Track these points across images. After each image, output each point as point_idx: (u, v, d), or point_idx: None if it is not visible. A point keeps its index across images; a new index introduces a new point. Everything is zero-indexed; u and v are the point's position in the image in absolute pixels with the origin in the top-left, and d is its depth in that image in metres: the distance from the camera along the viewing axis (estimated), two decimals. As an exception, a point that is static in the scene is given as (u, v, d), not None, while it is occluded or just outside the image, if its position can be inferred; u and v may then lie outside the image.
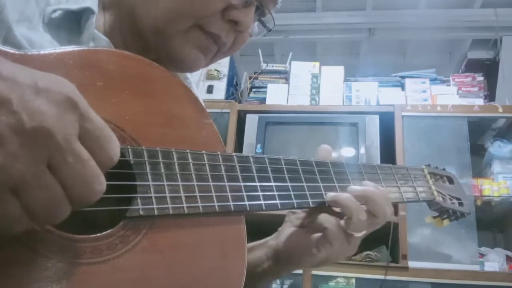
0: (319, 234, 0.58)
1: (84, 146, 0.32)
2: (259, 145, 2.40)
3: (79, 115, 0.32)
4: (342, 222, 0.57)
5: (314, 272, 2.19)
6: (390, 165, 0.69)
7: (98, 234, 0.39)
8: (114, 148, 0.34)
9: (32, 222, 0.32)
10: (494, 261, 2.19)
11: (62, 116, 0.31)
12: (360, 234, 0.58)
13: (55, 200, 0.31)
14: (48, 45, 0.50)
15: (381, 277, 2.11)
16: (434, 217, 0.73)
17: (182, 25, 0.56)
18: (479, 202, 2.25)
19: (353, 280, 2.17)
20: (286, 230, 0.63)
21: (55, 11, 0.52)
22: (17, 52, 0.40)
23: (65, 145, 0.30)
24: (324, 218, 0.57)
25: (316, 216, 0.58)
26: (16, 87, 0.29)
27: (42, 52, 0.43)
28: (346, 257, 0.59)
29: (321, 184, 0.58)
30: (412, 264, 2.13)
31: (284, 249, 0.62)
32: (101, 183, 0.33)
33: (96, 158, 0.33)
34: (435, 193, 0.70)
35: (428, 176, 0.72)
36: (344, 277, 2.19)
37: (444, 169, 0.78)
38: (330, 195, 0.58)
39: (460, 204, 0.71)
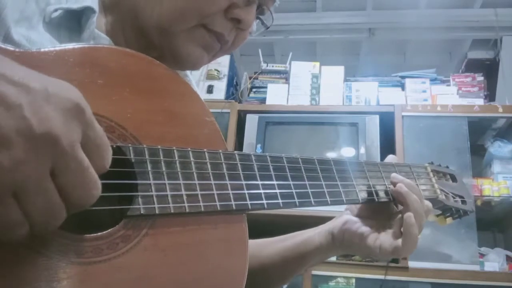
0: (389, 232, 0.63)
1: (84, 152, 0.33)
2: (259, 145, 2.40)
3: (84, 123, 0.33)
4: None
5: (314, 272, 2.18)
6: (393, 162, 0.69)
7: (99, 233, 0.39)
8: (109, 157, 0.36)
9: (32, 228, 0.32)
10: (494, 261, 2.19)
11: (68, 123, 0.31)
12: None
13: (52, 206, 0.31)
14: (48, 44, 0.50)
15: (381, 277, 2.11)
16: (437, 215, 0.72)
17: (186, 24, 0.57)
18: (479, 202, 2.25)
19: (353, 280, 2.17)
20: (345, 217, 0.69)
21: (56, 10, 0.52)
22: (17, 50, 0.40)
23: (70, 152, 0.31)
24: (410, 221, 0.60)
25: (384, 211, 0.66)
26: (27, 93, 0.30)
27: (42, 50, 0.43)
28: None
29: (323, 183, 0.58)
30: (412, 264, 2.13)
31: (339, 234, 0.67)
32: (98, 189, 0.34)
33: (93, 165, 0.34)
34: (438, 191, 0.70)
35: (431, 174, 0.72)
36: (344, 277, 2.19)
37: (447, 167, 0.77)
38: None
39: (463, 202, 0.70)
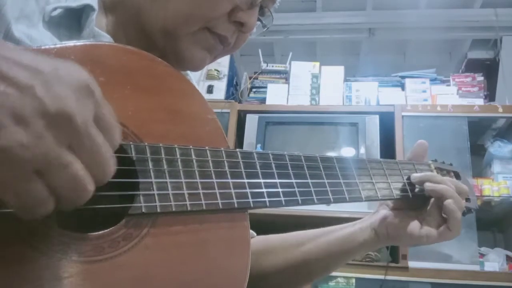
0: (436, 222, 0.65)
1: None
2: (259, 145, 2.40)
3: (95, 102, 0.33)
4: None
5: (314, 272, 2.18)
6: (396, 160, 0.68)
7: (100, 232, 0.39)
8: (119, 136, 0.36)
9: (59, 204, 0.32)
10: (494, 261, 2.19)
11: (81, 102, 0.32)
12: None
13: (79, 177, 0.32)
14: (49, 42, 0.50)
15: (381, 277, 2.11)
16: None
17: (191, 28, 0.57)
18: (479, 202, 2.24)
19: (353, 280, 2.17)
20: (382, 212, 0.70)
21: (55, 9, 0.52)
22: (17, 47, 0.40)
23: (83, 129, 0.32)
24: (451, 207, 0.63)
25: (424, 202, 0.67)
26: (38, 74, 0.30)
27: (43, 47, 0.42)
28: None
29: (326, 181, 0.57)
30: (412, 264, 2.13)
31: (382, 229, 0.69)
32: (112, 165, 0.35)
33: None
34: None
35: (435, 172, 0.71)
36: (344, 277, 2.18)
37: (451, 164, 0.77)
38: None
39: (467, 199, 0.70)
